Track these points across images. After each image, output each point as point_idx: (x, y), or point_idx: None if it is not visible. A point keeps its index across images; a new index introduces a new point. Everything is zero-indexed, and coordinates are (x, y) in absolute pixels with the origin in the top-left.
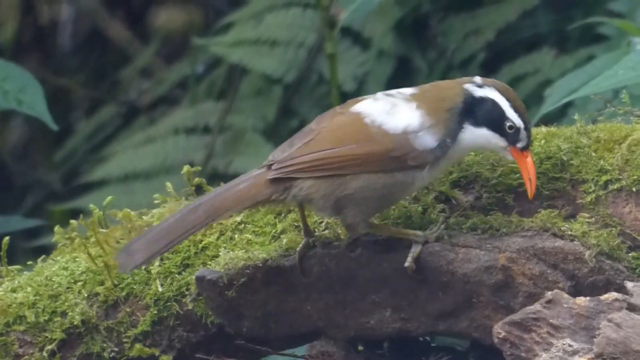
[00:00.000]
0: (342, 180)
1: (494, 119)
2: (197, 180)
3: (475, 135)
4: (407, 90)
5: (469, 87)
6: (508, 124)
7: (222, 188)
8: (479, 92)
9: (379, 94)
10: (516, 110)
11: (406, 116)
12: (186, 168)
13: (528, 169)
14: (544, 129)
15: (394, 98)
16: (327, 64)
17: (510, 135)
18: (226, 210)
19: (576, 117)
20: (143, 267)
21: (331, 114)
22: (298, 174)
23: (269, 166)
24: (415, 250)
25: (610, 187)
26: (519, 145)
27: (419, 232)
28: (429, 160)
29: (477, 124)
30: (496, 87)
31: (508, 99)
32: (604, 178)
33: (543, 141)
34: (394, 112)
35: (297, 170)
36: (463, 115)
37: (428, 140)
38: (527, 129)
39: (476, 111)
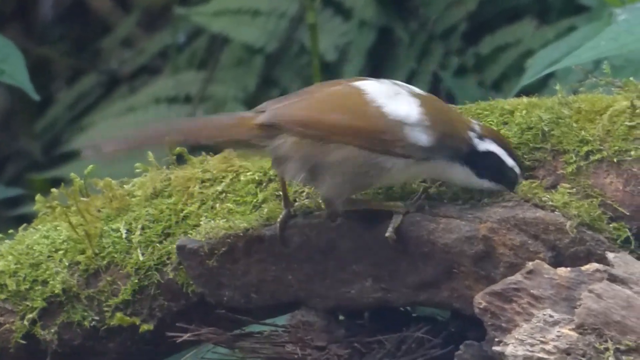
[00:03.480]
0: (325, 146)
1: (496, 172)
2: (178, 149)
3: (476, 182)
4: (415, 89)
5: (471, 135)
6: (511, 175)
7: (204, 117)
8: (482, 146)
9: (385, 80)
10: (513, 158)
11: (407, 106)
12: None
13: None
14: (525, 99)
15: (400, 87)
16: (308, 34)
17: (512, 183)
18: (198, 136)
19: (557, 87)
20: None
21: (334, 83)
22: (288, 125)
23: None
24: (396, 220)
25: (592, 158)
26: (516, 187)
27: (399, 203)
28: (414, 155)
29: (481, 176)
30: (494, 139)
31: (505, 149)
32: (585, 149)
33: (524, 111)
34: (396, 99)
35: (288, 122)
36: (466, 160)
37: (422, 138)
38: (522, 173)
39: (479, 164)
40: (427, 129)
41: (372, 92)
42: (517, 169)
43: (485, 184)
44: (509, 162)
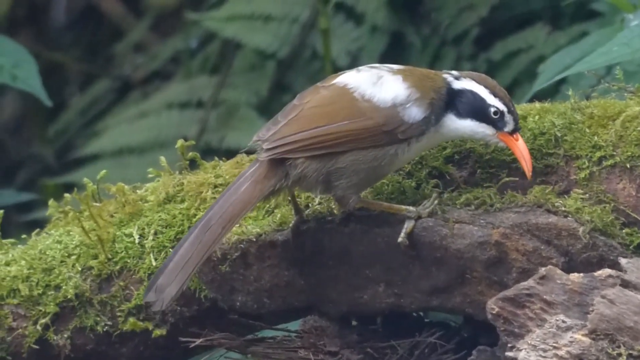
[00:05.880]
0: (333, 156)
1: (476, 109)
2: (191, 154)
3: (459, 125)
4: (393, 66)
5: (447, 77)
6: (492, 110)
7: (226, 195)
8: (457, 85)
9: (362, 67)
10: (496, 95)
11: (393, 88)
12: (180, 142)
13: (520, 150)
14: (537, 104)
15: (379, 70)
16: (320, 39)
17: (496, 121)
18: (238, 216)
19: (570, 93)
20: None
21: (313, 89)
22: (291, 154)
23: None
24: (408, 225)
25: (604, 163)
26: (507, 129)
27: (411, 208)
28: (415, 134)
29: (461, 115)
30: (473, 78)
31: (486, 87)
32: (598, 154)
33: (537, 117)
34: (380, 83)
35: (290, 150)
36: (447, 105)
37: (415, 113)
38: (511, 112)
39: (457, 103)
40: (417, 101)
41: (357, 86)
42: (499, 105)
43: (468, 123)
44: (489, 98)
